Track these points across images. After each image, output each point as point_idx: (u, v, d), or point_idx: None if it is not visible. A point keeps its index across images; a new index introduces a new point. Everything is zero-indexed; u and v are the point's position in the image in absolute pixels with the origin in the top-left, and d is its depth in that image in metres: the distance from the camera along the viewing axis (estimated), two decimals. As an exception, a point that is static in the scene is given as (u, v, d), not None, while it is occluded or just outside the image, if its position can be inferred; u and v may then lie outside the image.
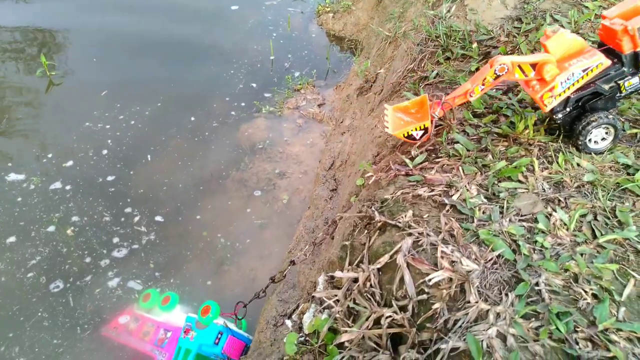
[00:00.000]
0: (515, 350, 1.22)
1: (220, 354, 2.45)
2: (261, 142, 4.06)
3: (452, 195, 1.77)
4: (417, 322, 1.42)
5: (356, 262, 1.76)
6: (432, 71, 2.70)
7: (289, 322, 1.86)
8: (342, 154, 3.54)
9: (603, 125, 1.82)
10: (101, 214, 3.41)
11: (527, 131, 1.98)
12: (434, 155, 2.06)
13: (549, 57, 1.75)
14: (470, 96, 1.88)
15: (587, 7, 2.80)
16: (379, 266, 1.63)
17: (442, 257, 1.50)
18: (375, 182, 2.12)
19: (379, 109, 3.10)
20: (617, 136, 1.85)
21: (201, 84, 4.72)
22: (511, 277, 1.43)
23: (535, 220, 1.61)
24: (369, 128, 3.04)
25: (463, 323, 1.32)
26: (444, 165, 1.96)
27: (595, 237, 1.54)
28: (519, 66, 1.79)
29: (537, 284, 1.38)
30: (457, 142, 2.05)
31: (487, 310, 1.34)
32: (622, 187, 1.71)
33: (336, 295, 1.69)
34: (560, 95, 1.79)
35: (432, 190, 1.82)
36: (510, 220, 1.62)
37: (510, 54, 2.57)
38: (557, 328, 1.26)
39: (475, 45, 2.72)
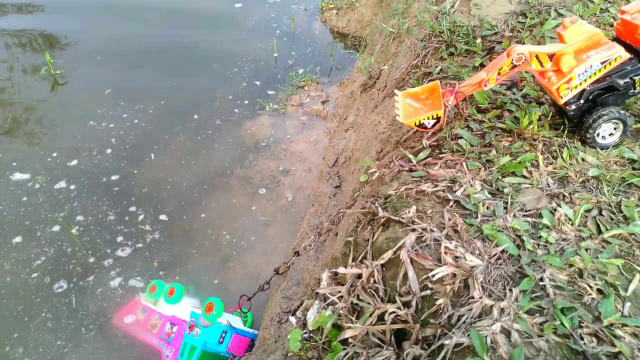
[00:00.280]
0: (520, 346, 1.21)
1: (225, 352, 2.46)
2: (265, 140, 4.06)
3: (455, 191, 1.76)
4: (421, 318, 1.41)
5: (360, 258, 1.75)
6: (436, 67, 2.69)
7: (292, 319, 1.86)
8: (345, 151, 3.54)
9: (613, 120, 1.80)
10: (105, 213, 3.43)
11: (531, 126, 1.97)
12: (437, 151, 2.05)
13: (567, 48, 1.73)
14: (485, 85, 1.84)
15: (592, 1, 2.78)
16: (382, 262, 1.63)
17: (445, 253, 1.50)
18: (379, 178, 2.11)
19: (382, 106, 3.09)
20: (625, 132, 1.84)
21: (204, 82, 4.73)
22: (515, 273, 1.42)
23: (540, 216, 1.60)
24: (373, 124, 3.03)
25: (467, 319, 1.32)
26: (447, 160, 1.95)
27: (600, 232, 1.53)
28: (537, 56, 1.76)
29: (541, 280, 1.37)
30: (461, 138, 2.04)
31: (491, 306, 1.33)
32: (627, 182, 1.69)
33: (340, 292, 1.69)
34: (576, 87, 1.76)
35: (436, 186, 1.81)
36: (514, 215, 1.61)
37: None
38: (562, 323, 1.25)
39: (479, 40, 2.70)
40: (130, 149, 3.94)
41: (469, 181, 1.78)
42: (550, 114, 2.05)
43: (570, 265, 1.42)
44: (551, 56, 1.76)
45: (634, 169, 1.76)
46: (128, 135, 4.06)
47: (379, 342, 1.46)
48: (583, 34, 1.74)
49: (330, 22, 5.73)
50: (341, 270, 1.74)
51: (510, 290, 1.36)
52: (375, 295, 1.58)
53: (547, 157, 1.86)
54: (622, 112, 1.78)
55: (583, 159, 1.82)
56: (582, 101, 1.83)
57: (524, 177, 1.78)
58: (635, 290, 1.33)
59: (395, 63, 3.50)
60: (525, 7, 2.88)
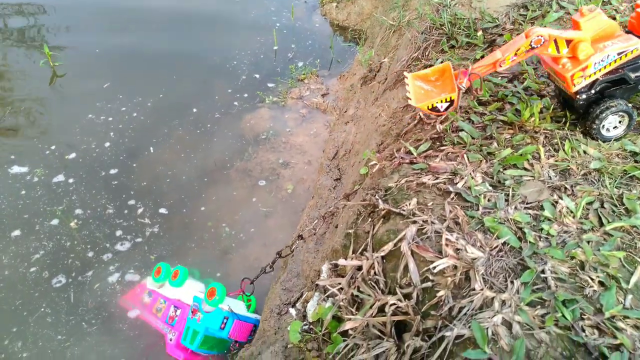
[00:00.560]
0: (521, 338, 1.21)
1: (227, 338, 2.47)
2: (265, 133, 4.05)
3: (456, 183, 1.75)
4: (422, 310, 1.41)
5: (360, 250, 1.75)
6: (437, 60, 2.67)
7: (292, 311, 1.86)
8: (345, 144, 3.52)
9: (620, 113, 1.79)
10: (104, 206, 3.41)
11: (532, 119, 1.96)
12: (438, 143, 2.04)
13: (586, 36, 1.71)
14: (500, 66, 1.78)
15: (594, -7, 2.77)
16: (383, 254, 1.62)
17: (446, 245, 1.49)
18: (379, 170, 2.10)
19: (383, 98, 3.08)
20: (629, 126, 1.83)
21: (203, 75, 4.70)
22: (517, 265, 1.42)
23: (541, 208, 1.60)
24: (373, 117, 3.02)
25: (468, 310, 1.31)
26: (448, 153, 1.94)
27: (602, 224, 1.53)
28: (555, 41, 1.73)
29: (543, 272, 1.37)
30: (462, 130, 2.03)
31: (493, 298, 1.32)
32: (629, 175, 1.69)
33: (340, 284, 1.68)
34: (590, 76, 1.75)
35: (437, 178, 1.80)
36: (515, 207, 1.61)
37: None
38: (563, 315, 1.25)
39: (480, 33, 2.69)
40: (129, 142, 3.91)
41: (470, 173, 1.77)
42: (552, 106, 2.04)
43: (572, 258, 1.41)
44: (568, 42, 1.74)
45: (636, 161, 1.76)
46: (127, 128, 4.03)
47: (379, 333, 1.46)
48: (600, 23, 1.72)
49: (330, 15, 5.70)
50: (341, 262, 1.73)
51: (512, 282, 1.36)
52: (376, 287, 1.57)
53: (549, 149, 1.85)
54: (630, 105, 1.78)
55: (585, 152, 1.82)
56: (592, 91, 1.82)
57: (525, 169, 1.77)
58: (636, 282, 1.33)
59: (395, 56, 3.48)
60: (527, -1, 2.86)
